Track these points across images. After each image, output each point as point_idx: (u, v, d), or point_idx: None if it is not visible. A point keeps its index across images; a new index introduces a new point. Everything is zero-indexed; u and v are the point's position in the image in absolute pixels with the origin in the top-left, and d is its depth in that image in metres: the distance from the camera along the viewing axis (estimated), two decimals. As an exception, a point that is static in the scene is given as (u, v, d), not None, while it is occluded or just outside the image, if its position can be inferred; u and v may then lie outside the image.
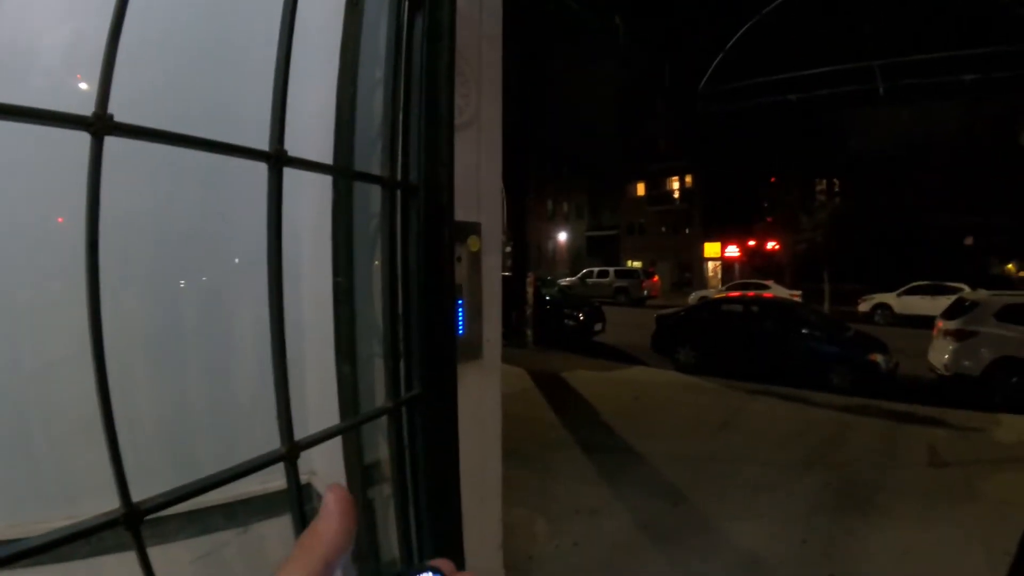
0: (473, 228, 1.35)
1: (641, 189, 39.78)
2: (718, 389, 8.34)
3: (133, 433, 0.57)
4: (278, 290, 0.70)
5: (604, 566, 3.52)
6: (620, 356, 11.90)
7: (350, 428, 1.02)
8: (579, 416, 6.82)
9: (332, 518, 0.44)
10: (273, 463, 0.65)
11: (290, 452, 0.66)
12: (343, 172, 1.00)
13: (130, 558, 0.63)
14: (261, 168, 0.71)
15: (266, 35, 1.26)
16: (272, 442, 0.70)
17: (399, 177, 0.90)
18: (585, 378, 8.77)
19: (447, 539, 1.02)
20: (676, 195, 38.32)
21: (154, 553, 0.61)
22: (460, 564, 1.10)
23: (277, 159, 0.70)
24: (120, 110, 0.57)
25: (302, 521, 0.74)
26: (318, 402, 1.26)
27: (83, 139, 0.57)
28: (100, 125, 0.55)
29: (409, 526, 0.97)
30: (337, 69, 1.21)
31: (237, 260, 1.33)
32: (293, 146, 0.73)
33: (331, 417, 1.22)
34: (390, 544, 1.26)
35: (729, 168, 33.50)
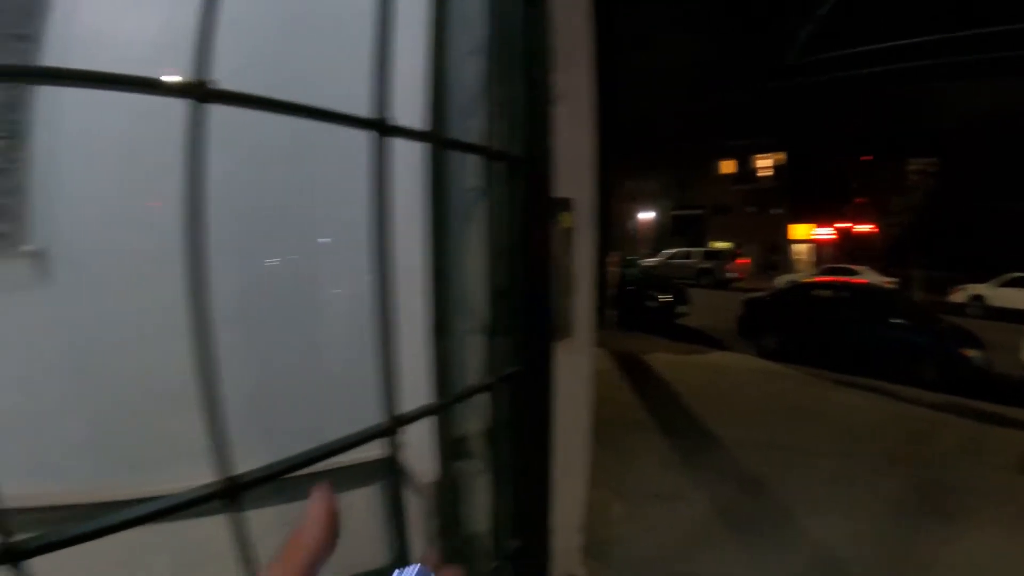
0: (565, 204, 1.31)
1: (727, 167, 37.71)
2: (802, 377, 7.93)
3: (227, 405, 0.58)
4: (384, 263, 0.68)
5: (679, 554, 3.44)
6: (703, 339, 11.49)
7: (453, 403, 1.02)
8: (659, 399, 6.68)
9: (318, 523, 0.45)
10: (375, 437, 0.65)
11: (392, 426, 0.66)
12: (451, 143, 0.98)
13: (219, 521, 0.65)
14: (348, 141, 0.69)
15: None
16: (361, 415, 0.70)
17: (501, 149, 0.88)
18: (666, 361, 8.56)
19: (534, 517, 1.01)
20: (763, 173, 36.05)
21: (265, 515, 0.64)
22: (545, 543, 1.10)
23: (382, 127, 0.68)
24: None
25: (396, 493, 0.75)
26: (408, 376, 1.28)
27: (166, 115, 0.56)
28: (202, 92, 0.53)
29: (499, 502, 0.97)
30: (425, 38, 1.20)
31: (324, 233, 1.36)
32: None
33: (421, 391, 1.23)
34: (473, 518, 1.28)
35: (819, 145, 30.92)
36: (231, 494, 0.55)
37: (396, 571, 0.40)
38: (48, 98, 1.27)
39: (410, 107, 1.22)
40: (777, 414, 6.25)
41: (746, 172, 36.37)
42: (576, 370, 1.26)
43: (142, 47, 1.32)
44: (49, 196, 1.33)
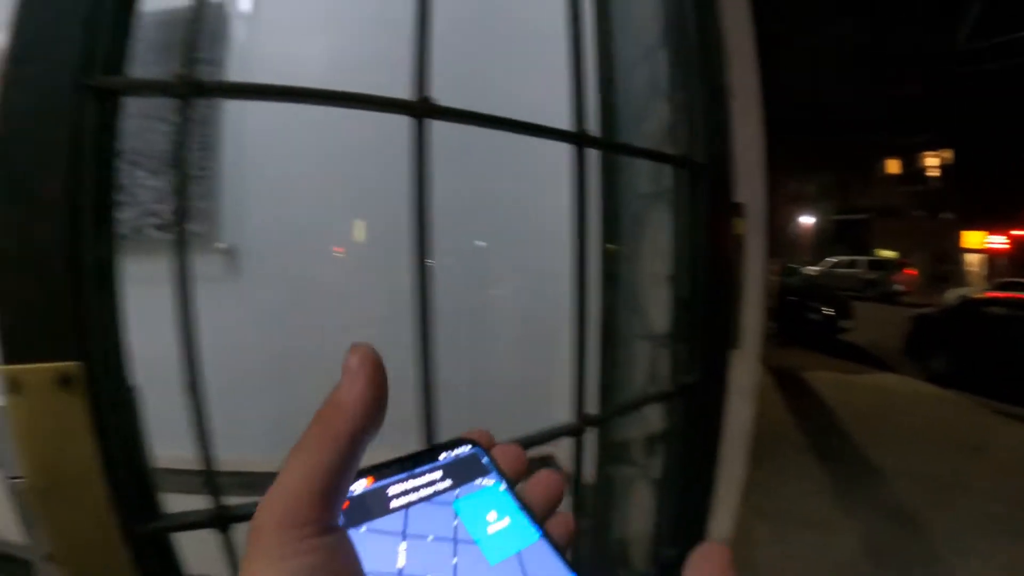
0: (737, 209, 1.26)
1: (893, 166, 32.84)
2: (973, 406, 6.80)
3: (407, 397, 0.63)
4: (583, 270, 0.70)
5: None
6: (866, 358, 10.22)
7: (637, 407, 1.02)
8: (816, 420, 6.10)
9: (357, 383, 0.28)
10: (563, 436, 0.68)
11: (580, 426, 0.68)
12: (642, 152, 0.99)
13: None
14: (525, 150, 0.72)
15: (534, 16, 1.32)
16: (524, 414, 0.73)
17: (685, 155, 0.87)
18: (826, 380, 7.78)
19: (694, 528, 0.99)
20: (932, 173, 30.87)
21: None
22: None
23: (583, 140, 0.71)
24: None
25: (578, 495, 0.77)
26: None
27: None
28: (423, 108, 0.58)
29: (660, 509, 0.96)
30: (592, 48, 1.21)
31: (499, 238, 1.42)
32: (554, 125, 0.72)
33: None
34: (627, 524, 1.28)
35: (995, 141, 25.65)
36: None
37: (444, 451, 0.34)
38: (233, 112, 1.44)
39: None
40: (941, 446, 5.43)
41: (913, 172, 31.41)
42: (741, 383, 1.20)
43: (313, 67, 1.49)
44: (236, 200, 1.51)
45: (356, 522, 0.28)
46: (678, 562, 0.73)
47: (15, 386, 0.48)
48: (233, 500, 0.58)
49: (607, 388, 1.09)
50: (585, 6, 1.27)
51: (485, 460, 0.34)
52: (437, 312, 1.46)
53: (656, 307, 0.84)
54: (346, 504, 0.27)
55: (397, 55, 0.67)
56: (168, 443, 0.63)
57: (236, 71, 1.45)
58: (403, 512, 0.29)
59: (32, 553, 0.53)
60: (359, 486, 0.29)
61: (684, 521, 0.94)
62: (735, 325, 0.87)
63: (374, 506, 0.29)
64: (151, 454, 0.57)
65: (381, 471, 0.31)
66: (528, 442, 0.67)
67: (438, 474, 0.32)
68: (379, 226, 1.41)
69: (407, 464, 0.32)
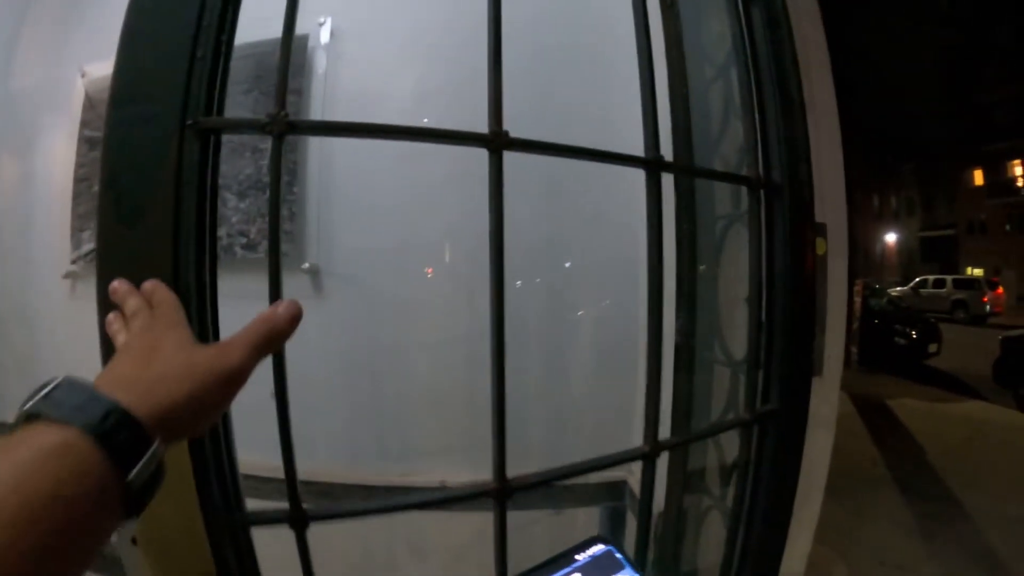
0: (819, 229, 1.21)
1: (979, 177, 30.25)
2: None
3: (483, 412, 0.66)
4: (658, 295, 0.70)
5: None
6: (955, 385, 9.45)
7: (706, 436, 1.01)
8: (901, 453, 5.68)
9: (280, 306, 0.44)
10: (634, 460, 0.68)
11: (651, 451, 0.67)
12: (715, 175, 0.98)
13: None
14: (598, 175, 0.73)
15: (604, 40, 1.33)
16: (605, 439, 0.73)
17: (761, 176, 0.85)
18: (913, 409, 7.26)
19: (765, 561, 0.95)
20: (1021, 183, 28.01)
21: (472, 518, 0.67)
22: None
23: (656, 165, 0.72)
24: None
25: (647, 519, 0.76)
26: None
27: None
28: (499, 141, 0.61)
29: (731, 540, 0.92)
30: (665, 70, 1.21)
31: (575, 262, 1.44)
32: (625, 149, 0.73)
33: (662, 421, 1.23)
34: (694, 554, 1.23)
35: None
36: (502, 494, 0.65)
37: (579, 552, 0.38)
38: (319, 139, 1.52)
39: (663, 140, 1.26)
40: (1036, 486, 4.91)
41: (1001, 183, 28.71)
42: (822, 412, 1.14)
43: (392, 96, 1.56)
44: (321, 222, 1.59)
45: None
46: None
47: None
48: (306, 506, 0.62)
49: (685, 414, 1.06)
50: (656, 28, 1.27)
51: (619, 556, 0.38)
52: (520, 334, 1.50)
53: (736, 332, 0.82)
54: None
55: (473, 83, 0.70)
56: (247, 449, 0.67)
57: (318, 99, 1.54)
58: None
59: (119, 542, 0.57)
60: None
61: (753, 554, 0.90)
62: (815, 351, 0.82)
63: None
64: (236, 455, 0.61)
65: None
66: (598, 464, 0.67)
67: (577, 575, 0.35)
68: (460, 250, 1.45)
69: (549, 569, 0.37)
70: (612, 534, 0.82)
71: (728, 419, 0.96)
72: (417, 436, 1.51)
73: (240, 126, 0.66)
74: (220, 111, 0.58)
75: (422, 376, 1.55)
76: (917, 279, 26.46)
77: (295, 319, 0.45)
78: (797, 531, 1.51)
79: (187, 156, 0.55)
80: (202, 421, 0.39)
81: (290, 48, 0.59)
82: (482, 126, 0.62)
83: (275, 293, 0.56)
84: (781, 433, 0.80)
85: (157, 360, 0.38)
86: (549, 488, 1.48)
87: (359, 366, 1.62)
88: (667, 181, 1.18)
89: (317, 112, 1.49)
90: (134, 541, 0.56)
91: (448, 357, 1.40)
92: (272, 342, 0.44)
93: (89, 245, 2.13)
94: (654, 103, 0.71)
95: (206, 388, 0.37)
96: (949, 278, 24.78)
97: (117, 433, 0.31)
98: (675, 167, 0.72)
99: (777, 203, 0.81)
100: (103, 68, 2.14)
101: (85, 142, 2.20)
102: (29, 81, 2.29)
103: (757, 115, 0.88)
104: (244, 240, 1.51)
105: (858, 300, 10.00)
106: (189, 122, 0.55)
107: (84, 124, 2.21)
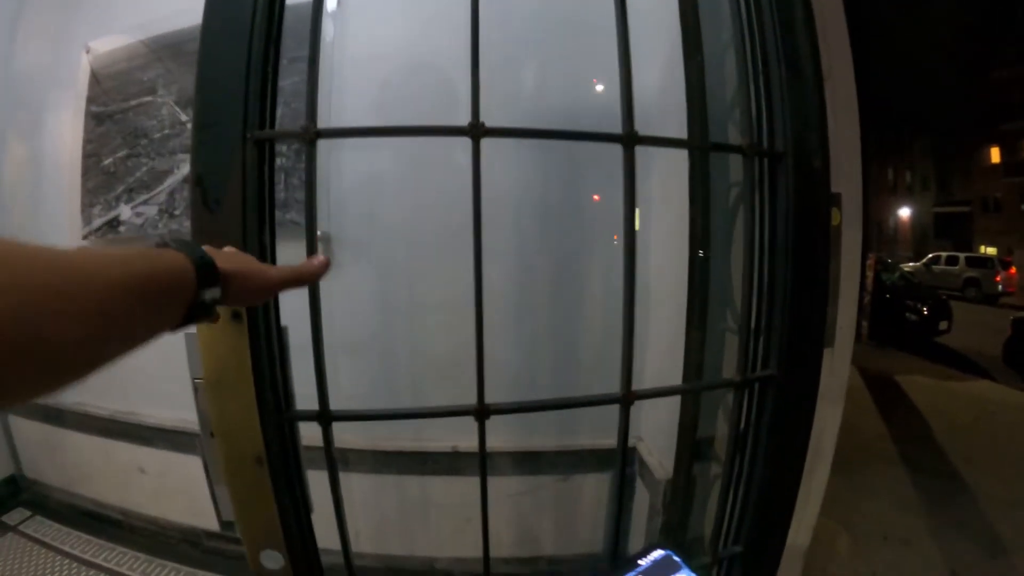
0: (833, 199, 1.19)
1: (995, 155, 29.55)
2: None
3: (491, 367, 0.75)
4: (631, 257, 0.76)
5: None
6: (964, 364, 9.38)
7: (687, 391, 1.04)
8: (908, 429, 5.67)
9: (316, 260, 0.61)
10: (608, 403, 0.73)
11: (625, 397, 0.72)
12: (695, 145, 0.99)
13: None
14: (611, 150, 0.76)
15: (599, 23, 1.33)
16: (613, 389, 0.77)
17: (763, 144, 0.84)
18: (921, 386, 7.22)
19: (769, 531, 0.95)
20: None
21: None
22: (773, 567, 1.03)
23: (629, 139, 0.76)
24: (494, 111, 0.73)
25: (622, 473, 0.82)
26: (660, 371, 1.30)
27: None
28: (477, 131, 0.72)
29: (730, 508, 0.94)
30: (680, 42, 1.19)
31: (586, 232, 1.47)
32: (644, 125, 0.76)
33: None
34: (700, 519, 1.25)
35: None
36: (481, 414, 0.76)
37: (641, 558, 0.42)
38: (326, 110, 1.55)
39: (670, 113, 1.24)
40: (1041, 468, 4.88)
41: (1017, 161, 28.04)
42: (831, 383, 1.14)
43: (398, 60, 1.60)
44: (332, 194, 1.68)
45: None
46: (741, 561, 0.72)
47: None
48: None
49: (694, 379, 1.07)
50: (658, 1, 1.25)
51: (677, 559, 0.42)
52: (539, 293, 1.55)
53: (743, 299, 0.82)
54: None
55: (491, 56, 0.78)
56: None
57: (327, 65, 1.60)
58: None
59: (202, 432, 0.84)
60: None
61: (760, 521, 0.91)
62: (823, 322, 0.82)
63: None
64: (290, 370, 0.80)
65: None
66: (573, 403, 0.80)
67: None
68: (457, 221, 1.53)
69: (615, 574, 0.41)
70: (620, 501, 0.84)
71: (715, 380, 0.98)
72: (429, 403, 1.56)
73: (284, 136, 0.82)
74: (272, 124, 0.78)
75: (432, 342, 1.60)
76: (930, 255, 26.09)
77: (319, 273, 0.62)
78: (804, 502, 1.53)
79: (248, 160, 0.74)
80: (243, 298, 0.54)
81: (317, 71, 0.76)
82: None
83: (311, 253, 0.75)
84: (783, 401, 0.80)
85: (233, 256, 0.56)
86: (558, 455, 1.53)
87: (371, 333, 1.69)
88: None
89: (326, 76, 1.53)
90: (212, 435, 0.77)
91: (458, 323, 1.47)
92: (300, 280, 0.61)
93: (100, 220, 2.15)
94: (629, 79, 0.76)
95: (252, 280, 0.55)
96: (962, 256, 24.44)
97: (204, 267, 0.47)
98: (648, 139, 0.74)
99: (780, 171, 0.80)
100: (107, 44, 2.14)
101: (92, 118, 2.20)
102: (34, 60, 2.30)
103: (762, 82, 0.87)
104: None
105: (870, 275, 9.89)
106: (248, 135, 0.74)
107: (91, 100, 2.21)
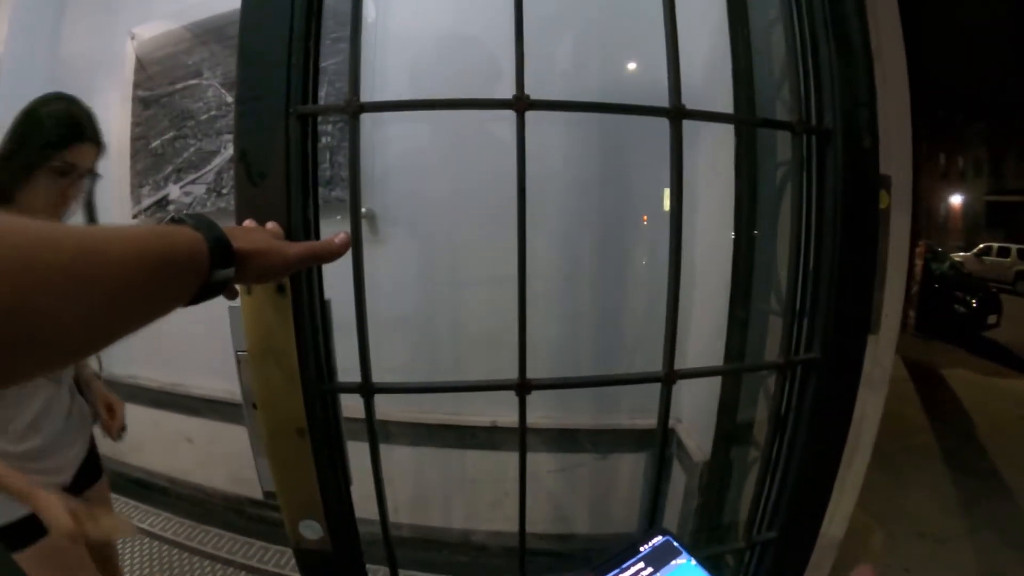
0: (882, 181, 1.15)
1: None
2: None
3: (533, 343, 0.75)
4: (677, 232, 0.74)
5: None
6: (1012, 360, 9.00)
7: (729, 372, 1.03)
8: (951, 424, 5.50)
9: (337, 238, 0.61)
10: (650, 381, 0.73)
11: (668, 376, 0.71)
12: (743, 120, 0.96)
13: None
14: (656, 124, 0.75)
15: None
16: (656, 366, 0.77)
17: (812, 121, 0.81)
18: (967, 380, 6.98)
19: (804, 518, 0.94)
20: None
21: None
22: (807, 555, 1.01)
23: (677, 113, 0.74)
24: (536, 87, 0.73)
25: (662, 453, 0.81)
26: (702, 353, 1.29)
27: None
28: (521, 104, 0.72)
29: (767, 492, 0.92)
30: (726, 18, 1.15)
31: (630, 210, 1.47)
32: (688, 98, 0.74)
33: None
34: (737, 508, 1.24)
35: None
36: (524, 390, 0.76)
37: (643, 544, 0.43)
38: (369, 89, 1.63)
39: (716, 87, 1.22)
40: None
41: None
42: (873, 372, 1.11)
43: (439, 38, 1.60)
44: (375, 171, 1.71)
45: None
46: (774, 547, 0.72)
47: (248, 289, 0.73)
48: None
49: (737, 359, 1.06)
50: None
51: (676, 544, 0.43)
52: (582, 271, 1.56)
53: (788, 281, 0.80)
54: None
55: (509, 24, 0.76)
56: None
57: (369, 45, 1.65)
58: None
59: (244, 404, 0.83)
60: None
61: (796, 507, 0.89)
62: (869, 306, 0.80)
63: None
64: (332, 343, 0.82)
65: (598, 570, 0.41)
66: (613, 380, 0.74)
67: (641, 564, 0.42)
68: (500, 198, 1.56)
69: (616, 561, 0.41)
70: (657, 481, 0.84)
71: (759, 361, 0.96)
72: (470, 377, 1.59)
73: (327, 110, 0.82)
74: (315, 99, 0.77)
75: (474, 318, 1.63)
76: (981, 246, 24.88)
77: (339, 251, 0.62)
78: (840, 493, 1.50)
79: (292, 135, 0.74)
80: (261, 275, 0.57)
81: (359, 43, 0.74)
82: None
83: (355, 229, 0.74)
84: (826, 385, 0.79)
85: (251, 234, 0.56)
86: (596, 434, 1.54)
87: (414, 308, 1.73)
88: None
89: (367, 56, 1.57)
90: (254, 406, 0.79)
91: (499, 299, 1.50)
92: (319, 257, 0.61)
93: (149, 199, 2.23)
94: (676, 53, 0.74)
95: (270, 257, 0.55)
96: (1014, 247, 23.28)
97: (219, 247, 0.47)
98: (696, 114, 0.72)
99: (829, 150, 0.78)
100: (152, 30, 2.20)
101: (139, 102, 2.28)
102: (80, 46, 2.37)
103: (810, 58, 0.84)
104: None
105: (919, 263, 9.53)
106: (291, 110, 0.73)
107: (136, 85, 2.28)
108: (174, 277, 0.43)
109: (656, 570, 0.41)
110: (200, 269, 0.45)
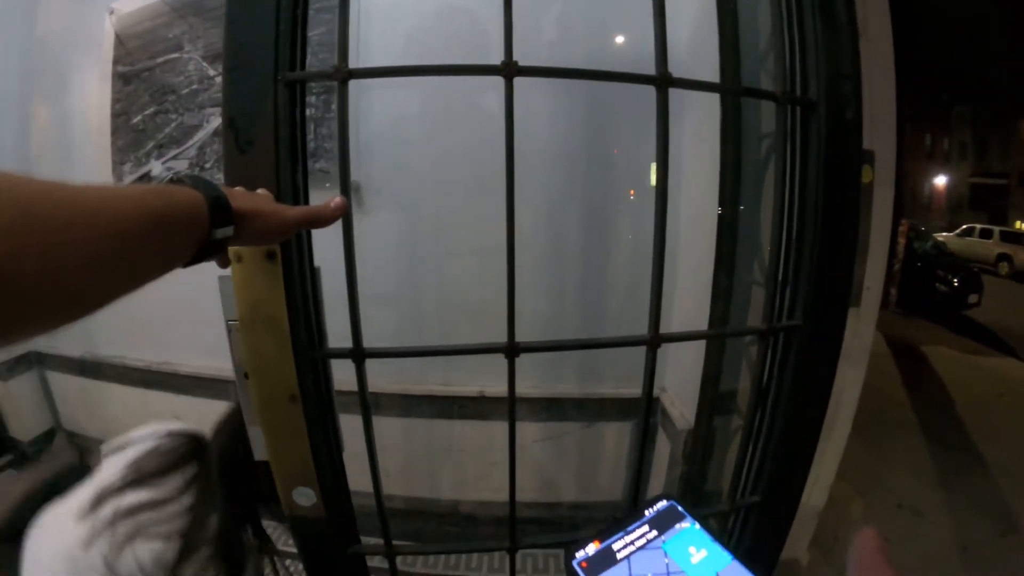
0: (866, 156, 1.17)
1: None
2: None
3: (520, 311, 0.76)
4: (663, 198, 0.76)
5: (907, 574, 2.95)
6: (991, 339, 9.17)
7: (713, 337, 1.05)
8: (930, 400, 5.62)
9: (333, 202, 0.61)
10: (636, 344, 0.74)
11: (653, 340, 0.73)
12: (729, 89, 0.97)
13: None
14: (641, 96, 0.75)
15: None
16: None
17: (796, 92, 0.82)
18: (946, 358, 7.11)
19: (785, 485, 0.96)
20: None
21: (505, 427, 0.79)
22: (789, 519, 1.04)
23: (663, 80, 0.74)
24: (523, 57, 0.72)
25: (647, 416, 0.83)
26: (688, 322, 1.31)
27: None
28: (510, 70, 0.72)
29: (750, 457, 0.95)
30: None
31: (617, 179, 1.48)
32: (676, 69, 0.75)
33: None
34: (720, 475, 1.27)
35: None
36: (513, 352, 0.78)
37: (648, 508, 0.44)
38: (354, 58, 1.62)
39: (703, 57, 1.22)
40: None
41: None
42: (853, 345, 1.14)
43: (425, 6, 1.60)
44: (360, 142, 1.70)
45: (595, 574, 0.39)
46: (757, 511, 0.74)
47: (239, 257, 0.73)
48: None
49: (720, 328, 1.08)
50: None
51: (680, 508, 0.44)
52: (569, 241, 1.58)
53: (771, 250, 0.81)
54: (584, 564, 0.40)
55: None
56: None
57: (355, 15, 1.60)
58: (626, 561, 0.40)
59: (236, 373, 0.81)
60: (591, 548, 0.41)
61: (777, 474, 0.92)
62: (851, 275, 0.82)
63: (604, 561, 0.40)
64: (322, 310, 0.82)
65: (603, 534, 0.42)
66: (600, 343, 0.76)
67: (646, 527, 0.42)
68: (485, 169, 1.56)
69: (622, 524, 0.43)
70: (642, 445, 0.86)
71: (741, 327, 0.98)
72: (450, 338, 1.61)
73: (315, 77, 0.81)
74: (303, 66, 0.77)
75: (461, 287, 1.65)
76: (964, 226, 25.20)
77: (336, 215, 0.62)
78: (821, 462, 1.54)
79: (280, 101, 0.74)
80: (259, 237, 0.56)
81: (348, 9, 0.74)
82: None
83: (344, 194, 0.73)
84: (807, 352, 0.81)
85: (249, 195, 0.56)
86: (582, 403, 1.57)
87: (401, 279, 1.74)
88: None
89: (353, 24, 1.58)
90: (246, 376, 0.79)
91: (487, 269, 1.48)
92: (316, 221, 0.61)
93: (131, 176, 2.19)
94: (663, 19, 0.75)
95: (267, 219, 0.55)
96: (996, 229, 23.60)
97: (218, 206, 0.47)
98: (681, 82, 0.72)
99: (812, 121, 0.79)
100: (130, 4, 2.14)
101: (119, 78, 2.23)
102: (58, 23, 2.31)
103: (796, 30, 0.85)
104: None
105: (902, 241, 9.67)
106: (279, 77, 0.74)
107: (116, 61, 2.22)
108: (174, 235, 0.43)
109: (660, 533, 0.42)
110: (200, 227, 0.46)
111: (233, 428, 0.89)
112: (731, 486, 0.96)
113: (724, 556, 0.39)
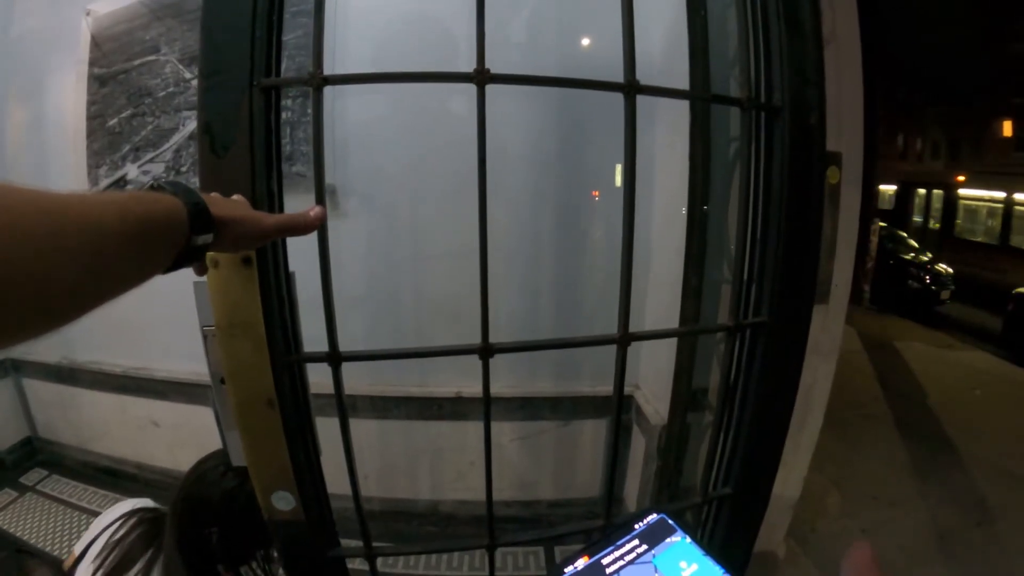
0: (833, 158, 1.20)
1: (1008, 129, 28.58)
2: None
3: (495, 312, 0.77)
4: (630, 203, 0.78)
5: (885, 565, 3.01)
6: (964, 334, 9.42)
7: (682, 334, 1.07)
8: (904, 394, 5.72)
9: (312, 210, 0.61)
10: (606, 343, 0.75)
11: (623, 338, 0.74)
12: (696, 96, 0.99)
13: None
14: (613, 102, 0.77)
15: None
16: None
17: (761, 98, 0.85)
18: (920, 353, 7.24)
19: (756, 477, 0.98)
20: None
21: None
22: (761, 510, 1.07)
23: (630, 88, 0.77)
24: (495, 64, 0.74)
25: (618, 414, 0.83)
26: (659, 321, 1.34)
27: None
28: (482, 77, 0.73)
29: (721, 450, 0.97)
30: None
31: (588, 184, 1.50)
32: (646, 75, 0.77)
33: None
34: (695, 469, 1.29)
35: None
36: (485, 353, 0.79)
37: (637, 521, 0.43)
38: (329, 64, 1.64)
39: (674, 65, 1.25)
40: (1024, 438, 4.93)
41: None
42: (824, 338, 1.17)
43: (399, 13, 1.63)
44: (336, 145, 1.71)
45: None
46: (730, 503, 0.76)
47: (215, 263, 0.73)
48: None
49: (689, 322, 1.11)
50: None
51: (671, 522, 0.43)
52: (541, 244, 1.60)
53: (737, 248, 0.84)
54: None
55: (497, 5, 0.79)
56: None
57: (331, 16, 1.61)
58: None
59: (212, 379, 0.81)
60: (580, 563, 0.39)
61: (748, 468, 0.94)
62: (815, 272, 0.85)
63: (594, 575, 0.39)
64: (298, 315, 0.82)
65: (592, 548, 0.40)
66: (572, 343, 0.77)
67: (635, 541, 0.41)
68: (459, 173, 1.57)
69: (611, 539, 0.41)
70: (616, 442, 0.88)
71: (709, 324, 1.00)
72: (427, 340, 1.63)
73: (290, 83, 0.82)
74: (278, 72, 0.78)
75: (435, 289, 1.66)
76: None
77: (314, 224, 0.62)
78: (795, 455, 1.58)
79: (255, 107, 0.75)
80: (237, 243, 0.56)
81: (323, 16, 0.75)
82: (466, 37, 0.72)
83: (319, 199, 0.76)
84: (774, 348, 0.84)
85: (228, 202, 0.56)
86: (558, 401, 1.59)
87: (376, 282, 1.75)
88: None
89: (328, 30, 1.58)
90: (222, 381, 0.79)
91: (461, 271, 1.51)
92: (295, 229, 0.61)
93: (107, 180, 2.16)
94: (631, 28, 0.76)
95: (246, 225, 0.55)
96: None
97: (198, 213, 0.48)
98: (648, 89, 0.75)
99: (777, 126, 0.82)
100: (107, 6, 2.12)
101: (95, 80, 2.20)
102: (33, 24, 2.27)
103: (761, 38, 0.87)
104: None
105: (874, 240, 9.86)
106: (255, 83, 0.74)
107: (93, 63, 2.20)
108: (154, 241, 0.43)
109: (650, 547, 0.41)
110: (179, 234, 0.46)
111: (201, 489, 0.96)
112: (703, 479, 0.98)
113: (715, 570, 0.38)
